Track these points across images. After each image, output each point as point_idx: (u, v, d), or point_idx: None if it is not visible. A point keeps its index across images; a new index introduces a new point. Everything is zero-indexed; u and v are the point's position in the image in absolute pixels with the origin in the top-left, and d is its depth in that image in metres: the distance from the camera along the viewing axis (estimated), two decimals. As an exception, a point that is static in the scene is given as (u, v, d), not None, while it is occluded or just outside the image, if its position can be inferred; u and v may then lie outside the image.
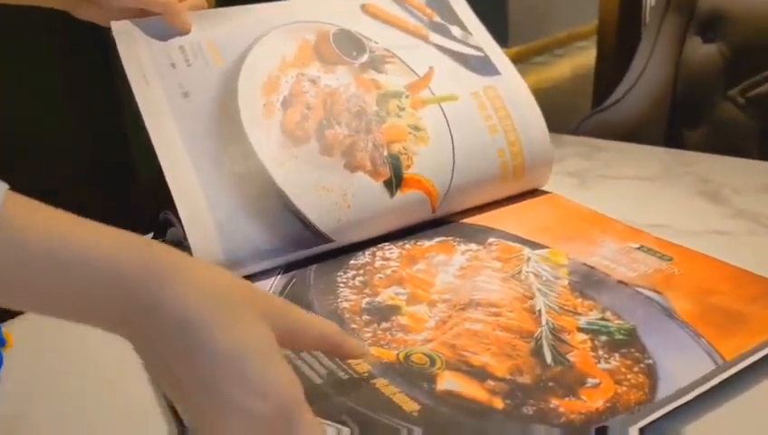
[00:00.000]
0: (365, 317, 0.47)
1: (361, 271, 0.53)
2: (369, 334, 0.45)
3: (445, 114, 0.60)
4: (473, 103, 0.62)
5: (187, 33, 0.58)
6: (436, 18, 0.67)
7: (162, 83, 0.54)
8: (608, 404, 0.38)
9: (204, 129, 0.53)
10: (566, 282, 0.49)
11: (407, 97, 0.60)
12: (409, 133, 0.58)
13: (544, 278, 0.50)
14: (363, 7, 0.65)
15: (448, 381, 0.40)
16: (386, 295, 0.50)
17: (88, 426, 0.42)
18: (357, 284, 0.51)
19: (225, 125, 0.54)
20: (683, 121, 1.32)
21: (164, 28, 0.57)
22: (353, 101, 0.58)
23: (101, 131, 1.89)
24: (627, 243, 0.54)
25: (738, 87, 1.22)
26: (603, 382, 0.40)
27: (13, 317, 0.53)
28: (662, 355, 0.41)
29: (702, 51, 1.28)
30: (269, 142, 0.54)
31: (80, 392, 0.45)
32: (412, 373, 0.41)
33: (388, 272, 0.53)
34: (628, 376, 0.40)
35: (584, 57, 4.41)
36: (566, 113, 1.36)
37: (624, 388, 0.39)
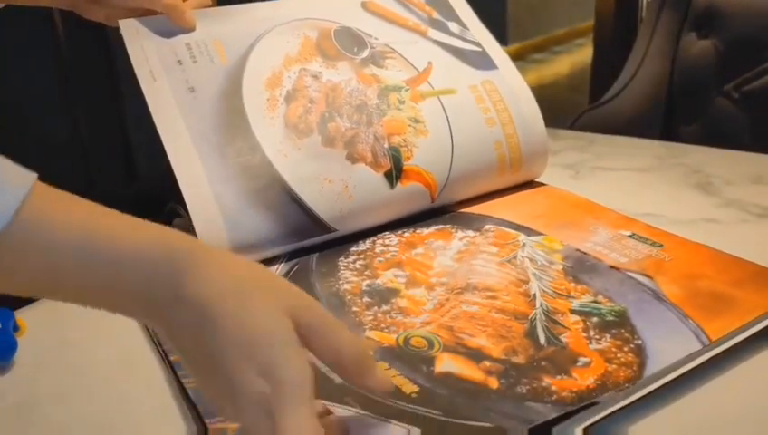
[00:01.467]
0: (366, 299, 0.49)
1: (362, 256, 0.55)
2: (370, 317, 0.47)
3: (443, 107, 0.62)
4: (471, 97, 0.64)
5: (191, 30, 0.59)
6: (435, 15, 0.69)
7: (169, 79, 0.56)
8: (598, 382, 0.40)
9: (210, 123, 0.55)
10: (560, 267, 0.51)
11: (406, 91, 0.62)
12: (409, 126, 0.60)
13: (539, 263, 0.52)
14: (364, 5, 0.67)
15: (446, 363, 0.42)
16: (386, 278, 0.52)
17: (99, 409, 0.43)
18: (357, 267, 0.53)
19: (230, 119, 0.56)
20: (679, 116, 1.33)
21: (170, 26, 0.59)
22: (354, 95, 0.59)
23: (101, 131, 1.91)
24: (619, 230, 0.56)
25: (733, 82, 1.23)
26: (594, 361, 0.41)
27: (26, 305, 0.55)
28: (650, 336, 0.43)
29: (697, 46, 1.28)
30: (273, 135, 0.56)
31: (91, 377, 0.46)
32: (411, 356, 0.43)
33: (388, 256, 0.55)
34: (618, 355, 0.42)
35: (583, 54, 4.42)
36: (565, 110, 1.38)
37: (614, 366, 0.41)
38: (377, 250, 0.56)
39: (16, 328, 0.49)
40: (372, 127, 0.59)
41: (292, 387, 0.31)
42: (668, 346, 0.42)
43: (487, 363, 0.42)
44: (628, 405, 0.38)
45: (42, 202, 0.32)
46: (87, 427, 0.41)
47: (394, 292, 0.50)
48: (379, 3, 0.67)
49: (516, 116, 0.65)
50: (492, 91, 0.65)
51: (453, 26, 0.69)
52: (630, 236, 0.55)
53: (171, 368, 0.45)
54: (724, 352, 0.42)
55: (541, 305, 0.47)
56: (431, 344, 0.44)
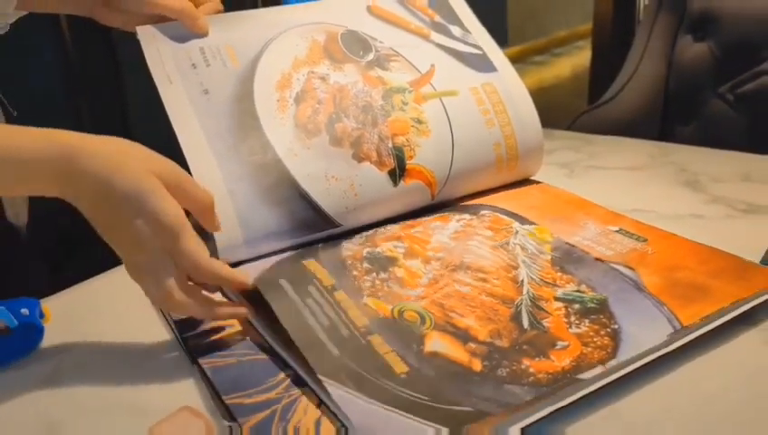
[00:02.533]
0: (365, 265, 0.52)
1: (364, 236, 0.59)
2: (368, 283, 0.50)
3: (445, 108, 0.65)
4: (471, 98, 0.67)
5: (204, 35, 0.62)
6: (437, 18, 0.72)
7: (184, 82, 0.59)
8: (573, 363, 0.42)
9: (223, 123, 0.58)
10: (549, 257, 0.54)
11: (410, 92, 0.65)
12: (412, 126, 0.63)
13: (529, 251, 0.55)
14: (369, 9, 0.70)
15: (435, 342, 0.45)
16: (385, 247, 0.55)
17: (119, 389, 0.46)
18: (359, 240, 0.57)
19: (243, 119, 0.59)
20: (675, 118, 1.34)
21: (184, 32, 0.62)
22: (360, 97, 0.63)
23: (106, 133, 1.93)
24: (607, 226, 0.59)
25: (728, 84, 1.25)
26: (571, 344, 0.44)
27: (51, 295, 0.58)
28: (627, 321, 0.46)
29: (693, 49, 1.30)
30: (283, 135, 0.59)
31: (111, 359, 0.49)
32: (404, 331, 0.46)
33: (388, 233, 0.58)
34: (595, 339, 0.45)
35: (583, 56, 4.45)
36: (564, 111, 1.40)
37: (590, 349, 0.44)
38: (378, 231, 0.59)
39: (42, 315, 0.52)
40: (377, 127, 0.62)
41: (175, 226, 0.44)
42: (642, 331, 0.45)
43: (473, 345, 0.44)
44: (567, 406, 0.40)
45: None
46: (108, 405, 0.44)
47: (392, 260, 0.53)
48: (383, 7, 0.70)
49: (514, 117, 0.68)
50: (492, 93, 0.68)
51: (455, 30, 0.72)
52: (617, 231, 0.58)
53: (189, 352, 0.48)
54: (671, 351, 0.43)
55: (527, 292, 0.50)
56: (423, 320, 0.47)
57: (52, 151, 0.44)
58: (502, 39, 0.80)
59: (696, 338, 0.44)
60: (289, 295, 0.49)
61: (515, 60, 4.23)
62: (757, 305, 0.47)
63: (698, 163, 0.77)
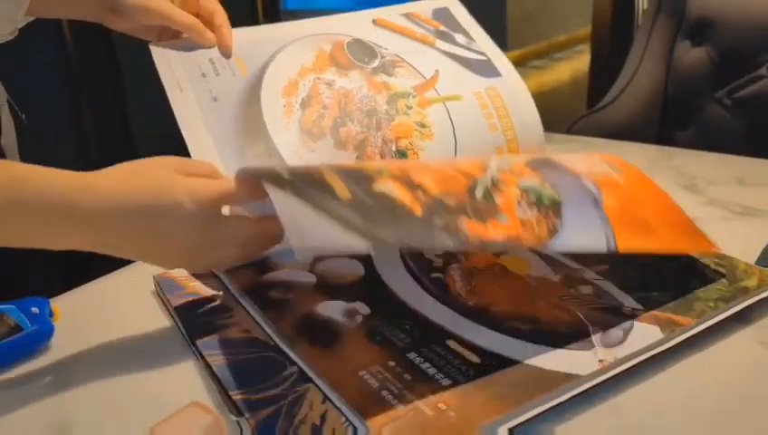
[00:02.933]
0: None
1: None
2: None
3: (449, 112, 0.66)
4: (475, 103, 0.68)
5: (211, 47, 0.64)
6: (442, 28, 0.73)
7: (194, 90, 0.61)
8: (504, 239, 0.43)
9: (231, 128, 0.60)
10: (524, 160, 0.54)
11: (414, 97, 0.66)
12: (416, 130, 0.64)
13: (506, 158, 0.56)
14: (375, 21, 0.71)
15: (385, 185, 0.44)
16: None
17: (128, 385, 0.47)
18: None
19: (249, 124, 0.60)
20: (674, 122, 1.35)
21: (193, 46, 0.64)
22: (365, 101, 0.64)
23: (106, 133, 1.95)
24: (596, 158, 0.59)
25: (725, 89, 1.26)
26: (511, 223, 0.44)
27: (59, 294, 0.59)
28: (570, 225, 0.46)
29: (691, 54, 1.31)
30: (289, 139, 0.60)
31: (119, 356, 0.50)
32: (359, 174, 0.45)
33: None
34: (534, 228, 0.45)
35: (583, 60, 4.47)
36: (563, 115, 1.41)
37: (525, 234, 0.44)
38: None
39: (51, 314, 0.53)
40: (381, 131, 0.63)
41: (219, 197, 0.46)
42: (579, 238, 0.46)
43: (420, 195, 0.44)
44: (556, 405, 0.40)
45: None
46: (118, 401, 0.45)
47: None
48: (388, 19, 0.72)
49: (517, 122, 0.69)
50: (495, 97, 0.69)
51: (459, 37, 0.73)
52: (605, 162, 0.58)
53: (195, 347, 0.49)
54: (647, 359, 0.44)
55: (492, 174, 0.49)
56: (380, 172, 0.46)
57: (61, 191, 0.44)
58: (501, 43, 0.81)
59: (690, 337, 0.46)
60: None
61: (515, 64, 4.23)
62: (751, 305, 0.48)
63: (695, 166, 0.79)
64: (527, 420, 0.39)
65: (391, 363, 0.45)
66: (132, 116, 1.93)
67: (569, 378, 0.42)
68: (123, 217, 0.44)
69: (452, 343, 0.46)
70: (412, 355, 0.45)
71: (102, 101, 1.88)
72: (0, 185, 0.42)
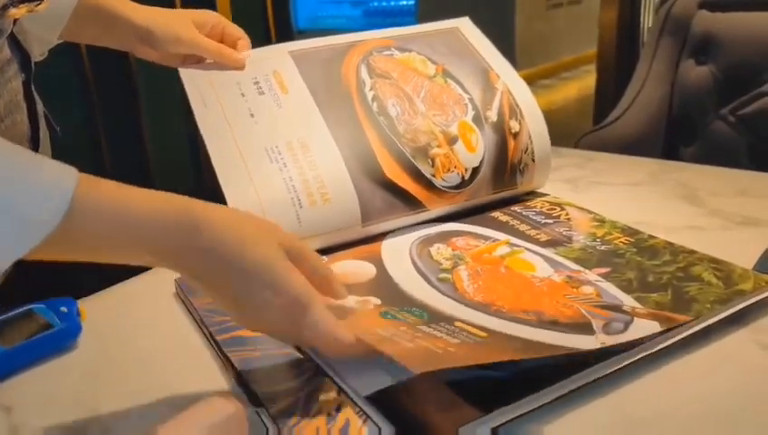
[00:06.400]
0: None
1: None
2: None
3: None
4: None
5: (241, 69, 0.68)
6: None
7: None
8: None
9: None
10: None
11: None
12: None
13: None
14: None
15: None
16: None
17: (153, 381, 0.49)
18: None
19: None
20: (678, 139, 1.37)
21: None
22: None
23: (121, 148, 1.98)
24: None
25: (729, 106, 1.28)
26: None
27: (86, 296, 0.62)
28: None
29: (695, 72, 1.33)
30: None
31: (144, 354, 0.53)
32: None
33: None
34: None
35: (590, 80, 4.49)
36: (570, 132, 1.44)
37: None
38: None
39: (79, 314, 0.56)
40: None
41: (302, 295, 0.43)
42: None
43: None
44: (542, 405, 0.41)
45: (86, 187, 0.40)
46: (141, 395, 0.47)
47: None
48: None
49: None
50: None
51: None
52: None
53: (216, 344, 0.51)
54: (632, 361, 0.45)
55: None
56: None
57: (172, 219, 0.42)
58: (511, 63, 0.84)
59: (687, 337, 0.47)
60: None
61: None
62: (748, 307, 0.50)
63: (697, 179, 0.81)
64: (510, 420, 0.41)
65: (402, 329, 0.48)
66: (144, 116, 1.96)
67: (570, 353, 0.44)
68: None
69: (459, 324, 0.49)
70: (423, 328, 0.48)
71: (115, 100, 1.91)
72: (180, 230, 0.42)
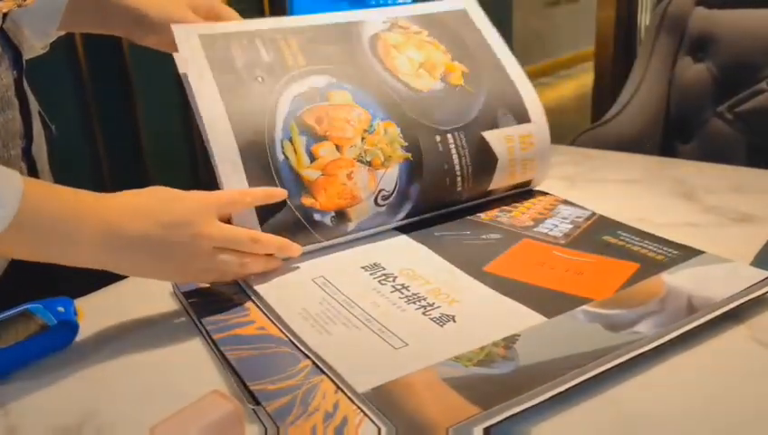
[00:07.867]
0: None
1: None
2: None
3: None
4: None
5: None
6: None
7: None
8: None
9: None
10: None
11: None
12: None
13: None
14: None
15: None
16: None
17: (149, 378, 0.49)
18: None
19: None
20: (676, 136, 1.37)
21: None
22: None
23: (119, 152, 1.98)
24: None
25: (726, 103, 1.29)
26: None
27: (83, 296, 0.61)
28: None
29: (692, 70, 1.33)
30: None
31: (140, 353, 0.52)
32: None
33: None
34: None
35: (588, 78, 4.49)
36: (568, 130, 1.43)
37: None
38: None
39: (76, 313, 0.55)
40: None
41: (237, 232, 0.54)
42: None
43: None
44: (535, 405, 0.41)
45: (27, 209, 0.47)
46: (138, 393, 0.47)
47: None
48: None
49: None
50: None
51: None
52: None
53: (213, 343, 0.51)
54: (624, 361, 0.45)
55: None
56: None
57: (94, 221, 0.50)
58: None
59: (684, 333, 0.47)
60: None
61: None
62: (745, 303, 0.50)
63: (694, 176, 0.81)
64: (502, 421, 0.41)
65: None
66: (139, 108, 1.95)
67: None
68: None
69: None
70: None
71: (110, 96, 1.90)
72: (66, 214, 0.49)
